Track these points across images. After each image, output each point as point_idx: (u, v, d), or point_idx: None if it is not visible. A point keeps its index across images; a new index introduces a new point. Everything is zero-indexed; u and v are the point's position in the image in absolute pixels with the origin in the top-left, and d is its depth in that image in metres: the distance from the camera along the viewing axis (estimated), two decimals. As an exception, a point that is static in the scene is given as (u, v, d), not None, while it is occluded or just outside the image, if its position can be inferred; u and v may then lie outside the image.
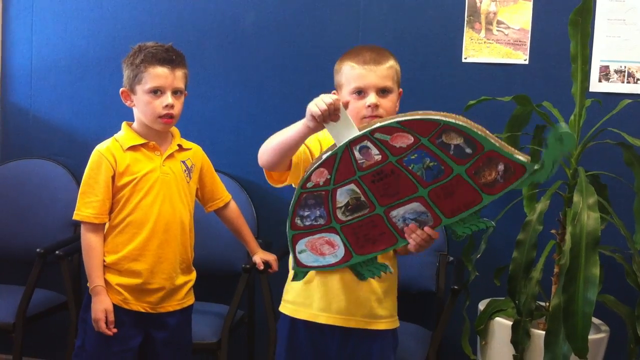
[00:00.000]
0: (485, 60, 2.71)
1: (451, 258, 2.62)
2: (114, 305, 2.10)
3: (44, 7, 2.99)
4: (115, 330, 2.08)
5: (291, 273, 1.91)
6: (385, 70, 1.80)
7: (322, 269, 1.75)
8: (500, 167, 1.54)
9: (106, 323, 2.07)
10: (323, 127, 1.56)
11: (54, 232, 2.78)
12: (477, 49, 2.72)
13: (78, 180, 2.79)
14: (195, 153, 2.27)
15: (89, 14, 2.96)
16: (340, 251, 1.69)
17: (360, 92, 1.79)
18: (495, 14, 2.70)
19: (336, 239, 1.67)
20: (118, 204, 2.12)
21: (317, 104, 1.53)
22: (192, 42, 2.85)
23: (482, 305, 2.48)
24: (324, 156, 1.54)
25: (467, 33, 2.72)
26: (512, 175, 1.55)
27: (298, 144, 1.65)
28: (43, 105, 3.01)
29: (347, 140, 1.52)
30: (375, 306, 1.87)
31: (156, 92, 2.09)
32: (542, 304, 2.38)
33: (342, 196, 1.61)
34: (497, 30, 2.71)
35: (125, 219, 2.12)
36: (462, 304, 2.49)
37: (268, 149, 1.68)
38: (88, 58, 2.97)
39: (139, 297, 2.12)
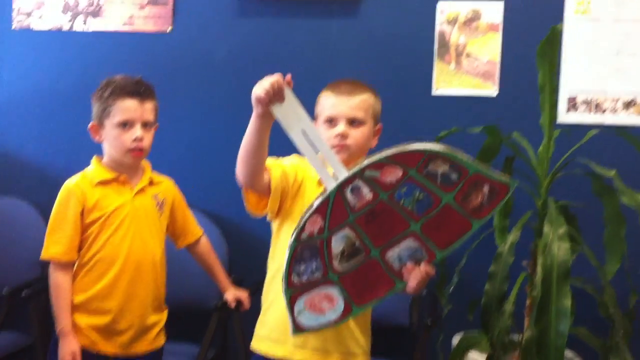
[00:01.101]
0: (455, 92, 2.73)
1: (424, 291, 2.61)
2: (83, 349, 2.05)
3: (12, 44, 2.99)
4: None
5: (264, 308, 1.88)
6: (357, 102, 1.81)
7: (324, 328, 1.67)
8: (486, 189, 1.55)
9: None
10: (272, 117, 1.52)
11: (21, 272, 2.72)
12: (447, 81, 2.74)
13: (46, 218, 2.71)
14: (167, 187, 2.24)
15: (57, 51, 2.96)
16: (340, 305, 1.64)
17: (332, 121, 1.80)
18: (464, 45, 2.73)
19: (334, 292, 1.62)
20: (87, 240, 2.08)
21: (261, 85, 1.50)
22: (163, 76, 2.84)
23: (455, 340, 2.46)
24: (316, 203, 1.50)
25: (438, 65, 2.74)
26: (497, 196, 1.56)
27: (261, 141, 1.60)
28: (11, 143, 2.99)
29: (338, 182, 1.49)
30: (351, 344, 1.83)
31: (125, 125, 2.06)
32: (516, 336, 2.37)
33: (337, 243, 1.58)
34: (467, 62, 2.73)
35: (94, 256, 2.08)
36: (435, 339, 2.47)
37: (239, 160, 1.65)
38: (57, 95, 2.95)
39: (109, 337, 2.07)
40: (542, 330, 1.97)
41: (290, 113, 1.50)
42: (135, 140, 2.07)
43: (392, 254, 1.62)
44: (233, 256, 2.76)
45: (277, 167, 1.76)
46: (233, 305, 2.28)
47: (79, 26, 2.95)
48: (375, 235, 1.59)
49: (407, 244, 1.61)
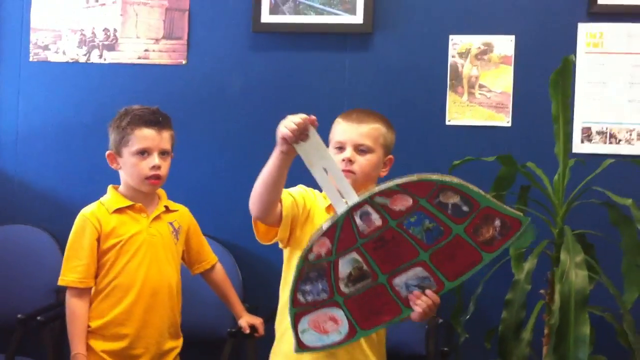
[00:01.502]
0: (468, 122, 2.75)
1: (440, 320, 2.59)
2: None
3: (31, 74, 3.02)
4: None
5: (277, 336, 1.87)
6: (366, 129, 1.84)
7: (327, 349, 1.69)
8: (497, 223, 1.55)
9: None
10: (294, 154, 1.55)
11: (37, 299, 2.71)
12: (460, 112, 2.76)
13: (62, 247, 2.73)
14: (182, 214, 2.26)
15: (75, 82, 2.99)
16: (344, 327, 1.64)
17: (341, 148, 1.83)
18: (477, 77, 2.76)
19: (339, 314, 1.63)
20: (104, 267, 2.09)
21: (286, 125, 1.53)
22: (178, 107, 2.86)
23: (472, 369, 2.44)
24: (325, 226, 1.53)
25: (450, 96, 2.77)
26: (510, 230, 1.56)
27: (279, 176, 1.63)
28: (28, 172, 3.01)
29: (349, 207, 1.50)
30: None
31: (143, 153, 2.10)
32: (534, 366, 2.35)
33: (345, 266, 1.58)
34: (480, 94, 2.75)
35: (110, 282, 2.09)
36: (452, 368, 2.44)
37: (255, 194, 1.67)
38: (74, 125, 2.98)
39: None
40: (561, 357, 1.96)
41: (313, 151, 1.54)
42: (152, 168, 2.10)
43: (400, 281, 1.62)
44: (247, 285, 2.76)
45: (287, 196, 1.77)
46: (247, 330, 2.27)
47: (95, 59, 2.99)
48: (383, 261, 1.59)
49: (416, 272, 1.61)
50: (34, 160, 3.01)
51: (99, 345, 2.07)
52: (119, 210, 2.13)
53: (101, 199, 2.19)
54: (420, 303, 1.63)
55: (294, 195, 1.79)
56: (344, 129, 1.84)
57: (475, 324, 2.47)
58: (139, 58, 2.96)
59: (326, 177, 1.54)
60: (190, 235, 2.27)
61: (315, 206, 1.84)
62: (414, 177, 1.50)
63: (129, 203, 2.14)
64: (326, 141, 1.89)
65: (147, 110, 2.16)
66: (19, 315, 2.47)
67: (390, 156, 1.91)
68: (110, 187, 2.21)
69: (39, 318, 2.43)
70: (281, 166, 1.61)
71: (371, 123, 1.85)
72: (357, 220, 1.53)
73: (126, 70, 2.96)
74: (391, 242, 1.57)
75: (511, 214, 1.54)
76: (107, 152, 2.17)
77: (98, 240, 2.10)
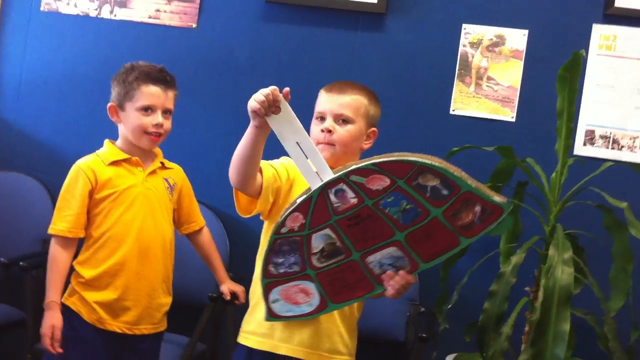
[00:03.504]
0: (472, 114, 2.73)
1: (423, 309, 2.57)
2: (88, 325, 2.06)
3: (40, 24, 3.01)
4: (60, 350, 2.02)
5: (252, 304, 1.86)
6: (347, 100, 1.82)
7: (296, 319, 1.69)
8: (477, 208, 1.51)
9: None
10: (269, 128, 1.53)
11: (23, 247, 2.72)
12: (465, 102, 2.74)
13: (54, 197, 2.74)
14: (177, 173, 2.26)
15: (83, 35, 2.97)
16: (316, 300, 1.64)
17: (321, 118, 1.82)
18: (486, 69, 2.73)
19: (311, 286, 1.62)
20: (98, 217, 2.09)
21: (255, 97, 1.51)
22: (184, 70, 2.84)
23: (449, 359, 2.42)
24: (299, 200, 1.50)
25: (457, 86, 2.74)
26: (490, 217, 1.52)
27: (255, 150, 1.61)
28: (28, 121, 2.99)
29: (322, 184, 1.48)
30: (337, 340, 1.81)
31: (147, 109, 2.09)
32: (511, 362, 2.33)
33: (318, 241, 1.56)
34: (487, 86, 2.73)
35: (105, 233, 2.09)
36: (429, 356, 2.43)
37: (232, 165, 1.66)
38: (78, 79, 2.96)
39: (116, 315, 2.07)
40: (538, 352, 1.94)
41: (285, 124, 1.51)
42: (155, 125, 2.10)
43: (374, 259, 1.59)
44: (234, 254, 2.75)
45: (268, 168, 1.75)
46: (228, 297, 2.26)
47: (105, 14, 2.97)
48: (357, 239, 1.56)
49: (390, 252, 1.58)
50: (35, 110, 3.00)
51: (91, 296, 2.06)
52: (115, 163, 2.12)
53: (97, 151, 2.17)
54: (393, 284, 1.61)
55: (276, 167, 1.77)
56: (325, 100, 1.83)
57: (458, 316, 2.46)
58: (149, 17, 2.94)
59: (299, 151, 1.51)
60: (183, 194, 2.26)
61: (299, 177, 1.81)
62: (392, 157, 1.46)
63: (126, 156, 2.13)
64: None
65: (154, 68, 2.15)
66: (1, 259, 2.47)
67: (374, 129, 1.87)
68: (107, 141, 2.20)
69: (21, 263, 2.43)
70: (255, 140, 1.59)
71: (352, 94, 1.83)
72: (332, 197, 1.50)
73: (135, 29, 2.95)
74: (366, 221, 1.54)
75: (493, 200, 1.49)
76: (109, 105, 2.15)
77: (91, 192, 2.09)
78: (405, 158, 1.46)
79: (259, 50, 2.87)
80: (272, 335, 1.80)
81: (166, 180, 2.19)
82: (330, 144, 1.79)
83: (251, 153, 1.61)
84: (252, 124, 1.57)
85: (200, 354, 2.59)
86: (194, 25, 2.92)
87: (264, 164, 1.75)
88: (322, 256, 1.58)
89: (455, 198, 1.50)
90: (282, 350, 1.79)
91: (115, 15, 2.96)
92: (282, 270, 1.59)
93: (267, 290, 1.62)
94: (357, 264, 1.59)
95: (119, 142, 2.17)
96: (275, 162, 1.81)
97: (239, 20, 2.89)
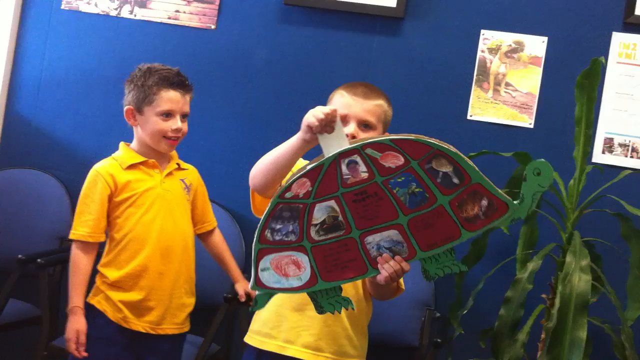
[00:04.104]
0: (490, 119, 2.72)
1: (437, 314, 2.57)
2: (113, 324, 2.07)
3: (60, 22, 3.02)
4: (85, 354, 2.04)
5: None
6: (371, 106, 1.80)
7: (283, 292, 1.62)
8: (484, 202, 1.50)
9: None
10: (315, 143, 1.53)
11: (39, 243, 2.73)
12: (483, 108, 2.73)
13: (71, 194, 2.79)
14: (192, 173, 2.28)
15: (103, 34, 2.99)
16: (306, 274, 1.59)
17: (342, 120, 1.80)
18: (504, 75, 2.72)
19: (304, 259, 1.58)
20: (118, 219, 2.11)
21: (315, 114, 1.50)
22: (201, 71, 2.87)
23: (464, 365, 2.42)
24: (309, 167, 1.48)
25: (475, 91, 2.73)
26: (495, 213, 1.51)
27: (292, 161, 1.61)
28: (46, 118, 3.01)
29: (337, 151, 1.49)
30: (345, 343, 1.80)
31: (167, 115, 2.10)
32: (526, 369, 2.32)
33: (320, 213, 1.54)
34: (505, 92, 2.72)
35: (126, 235, 2.11)
36: (443, 361, 2.42)
37: (261, 168, 1.64)
38: (96, 76, 2.98)
39: (140, 315, 2.09)
40: (554, 359, 1.92)
41: (334, 144, 1.50)
42: (174, 130, 2.12)
43: (372, 240, 1.57)
44: (249, 254, 2.71)
45: None
46: (243, 299, 2.26)
47: (125, 14, 2.99)
48: (359, 216, 1.54)
49: (389, 234, 1.56)
50: (53, 108, 3.02)
51: (117, 295, 2.08)
52: (132, 166, 2.14)
53: (113, 154, 2.19)
54: (387, 267, 1.57)
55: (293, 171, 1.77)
56: (348, 103, 1.80)
57: (472, 321, 2.45)
58: (168, 18, 2.96)
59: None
60: (198, 195, 2.27)
61: None
62: (411, 136, 1.45)
63: (143, 159, 2.14)
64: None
65: (171, 72, 2.16)
66: (19, 256, 2.48)
67: (387, 134, 1.88)
68: (122, 144, 2.21)
69: (38, 260, 2.44)
70: (297, 152, 1.59)
71: (376, 99, 1.82)
72: (343, 167, 1.49)
73: (154, 29, 2.96)
74: (372, 198, 1.52)
75: (501, 196, 1.49)
76: (127, 107, 2.16)
77: (110, 196, 2.10)
78: (424, 139, 1.46)
79: (277, 52, 2.88)
80: (276, 337, 1.80)
81: (182, 181, 2.21)
82: None
83: (287, 162, 1.61)
84: (300, 136, 1.56)
85: (214, 354, 2.59)
86: (213, 27, 2.93)
87: None
88: (322, 229, 1.55)
89: (464, 188, 1.49)
90: (288, 352, 1.78)
91: (135, 15, 2.98)
92: (277, 238, 1.55)
93: (258, 257, 1.57)
94: (354, 242, 1.57)
95: (134, 144, 2.18)
96: None
97: (258, 22, 2.89)
